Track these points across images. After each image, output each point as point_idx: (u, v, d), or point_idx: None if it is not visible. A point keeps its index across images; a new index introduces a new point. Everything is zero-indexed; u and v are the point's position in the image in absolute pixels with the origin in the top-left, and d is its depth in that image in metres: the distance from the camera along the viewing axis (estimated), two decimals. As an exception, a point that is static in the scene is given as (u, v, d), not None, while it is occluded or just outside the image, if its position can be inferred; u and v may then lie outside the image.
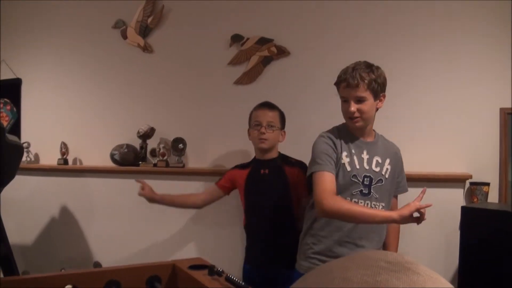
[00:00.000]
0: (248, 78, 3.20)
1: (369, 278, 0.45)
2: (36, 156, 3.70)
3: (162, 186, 3.17)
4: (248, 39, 3.18)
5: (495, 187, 2.79)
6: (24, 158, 3.47)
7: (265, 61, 3.17)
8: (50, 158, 3.58)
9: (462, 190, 2.79)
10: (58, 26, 3.67)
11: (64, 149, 3.48)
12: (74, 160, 3.58)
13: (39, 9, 3.74)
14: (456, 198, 2.78)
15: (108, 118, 3.48)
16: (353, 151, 2.19)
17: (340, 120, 2.97)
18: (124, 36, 3.41)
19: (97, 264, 1.98)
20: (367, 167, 2.17)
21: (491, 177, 2.78)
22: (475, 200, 2.72)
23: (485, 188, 2.72)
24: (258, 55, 3.17)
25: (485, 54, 2.86)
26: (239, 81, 3.21)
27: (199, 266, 1.92)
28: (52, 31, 3.68)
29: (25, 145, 3.49)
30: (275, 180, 2.64)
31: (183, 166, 3.19)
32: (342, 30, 3.06)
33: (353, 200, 2.12)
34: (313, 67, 3.10)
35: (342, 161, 2.15)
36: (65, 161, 3.48)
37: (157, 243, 3.21)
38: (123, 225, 3.29)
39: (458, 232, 2.64)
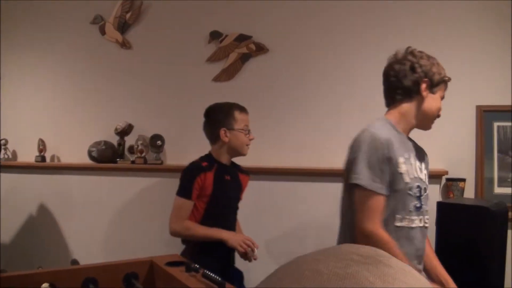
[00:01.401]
0: (227, 75, 3.21)
1: (340, 270, 0.45)
2: (14, 153, 3.67)
3: (140, 183, 3.19)
4: (226, 36, 3.18)
5: (471, 183, 2.84)
6: (1, 155, 3.44)
7: (244, 58, 3.18)
8: (27, 155, 3.55)
9: (438, 186, 2.85)
10: (35, 22, 3.62)
11: (42, 146, 3.45)
12: (52, 157, 3.55)
13: (15, 4, 3.70)
14: (432, 193, 2.83)
15: (86, 115, 3.46)
16: (408, 155, 1.87)
17: (320, 117, 3.03)
18: (102, 32, 3.39)
19: (75, 262, 1.97)
20: (419, 175, 1.89)
21: (467, 173, 2.83)
22: (451, 195, 2.77)
23: (461, 184, 2.77)
24: (236, 52, 3.18)
25: (462, 52, 2.90)
26: (218, 78, 3.22)
27: (176, 262, 1.93)
28: (29, 27, 3.63)
29: (2, 142, 3.46)
30: (236, 187, 2.56)
31: (161, 163, 3.19)
32: (321, 27, 3.07)
33: (409, 218, 1.82)
34: (292, 64, 3.12)
35: (399, 170, 1.79)
36: (43, 158, 3.45)
37: (135, 240, 3.20)
38: (101, 222, 3.28)
39: (434, 228, 2.71)
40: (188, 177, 2.42)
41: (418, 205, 1.84)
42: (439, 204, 2.35)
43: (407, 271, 0.47)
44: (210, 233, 2.38)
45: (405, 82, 1.92)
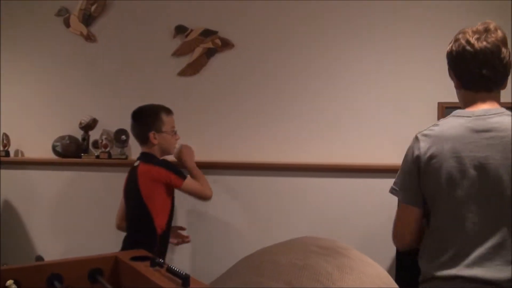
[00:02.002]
0: (192, 69, 3.21)
1: (299, 261, 0.46)
2: (-23, 149, 3.60)
3: (104, 178, 3.18)
4: (192, 30, 3.18)
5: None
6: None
7: (209, 53, 3.18)
8: (-10, 150, 3.49)
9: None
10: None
11: (6, 141, 3.40)
12: (16, 152, 3.50)
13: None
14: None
15: (50, 109, 3.41)
16: None
17: (288, 113, 3.06)
18: (67, 24, 3.34)
19: (39, 258, 1.96)
20: None
21: (428, 168, 2.92)
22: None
23: (425, 179, 2.84)
24: (202, 47, 3.18)
25: (423, 49, 2.96)
26: (183, 73, 3.21)
27: (141, 257, 1.94)
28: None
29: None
30: None
31: (126, 158, 3.18)
32: (288, 24, 3.09)
33: None
34: (258, 60, 3.13)
35: None
36: (7, 153, 3.40)
37: (101, 235, 3.19)
38: (66, 218, 3.26)
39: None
40: (173, 165, 2.63)
41: None
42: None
43: (365, 262, 0.49)
44: None
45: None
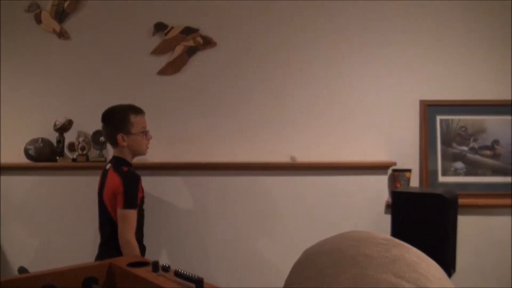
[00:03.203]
0: (173, 68, 3.12)
1: (386, 253, 0.47)
2: None
3: (82, 182, 3.03)
4: (172, 28, 3.08)
5: (416, 173, 2.95)
6: None
7: (190, 51, 3.10)
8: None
9: (386, 176, 2.93)
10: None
11: (-26, 145, 3.19)
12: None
13: None
14: (380, 184, 2.93)
15: (21, 110, 3.20)
16: None
17: (269, 112, 3.02)
18: (38, 21, 3.15)
19: (23, 270, 1.84)
20: None
21: (412, 164, 2.95)
22: (398, 185, 2.86)
23: (407, 174, 2.87)
24: (183, 45, 3.09)
25: (406, 49, 3.01)
26: (163, 72, 3.12)
27: (138, 263, 1.84)
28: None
29: None
30: None
31: (105, 160, 3.03)
32: (269, 21, 3.06)
33: None
34: (240, 59, 3.08)
35: None
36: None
37: (80, 241, 3.04)
38: (42, 225, 3.08)
39: (383, 215, 2.81)
40: (132, 187, 2.43)
41: None
42: (394, 193, 2.41)
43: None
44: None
45: None
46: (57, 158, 3.05)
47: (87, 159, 3.04)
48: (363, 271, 0.44)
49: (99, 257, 2.46)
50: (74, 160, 3.05)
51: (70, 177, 3.05)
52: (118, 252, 2.35)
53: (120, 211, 2.39)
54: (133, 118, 2.52)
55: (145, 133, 2.57)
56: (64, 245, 3.05)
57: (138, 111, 2.56)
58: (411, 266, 0.45)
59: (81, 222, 3.04)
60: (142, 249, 2.56)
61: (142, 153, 2.61)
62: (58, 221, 3.07)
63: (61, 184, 3.06)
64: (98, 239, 2.62)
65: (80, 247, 3.02)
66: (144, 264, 1.83)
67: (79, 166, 3.03)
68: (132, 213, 2.40)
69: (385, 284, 0.42)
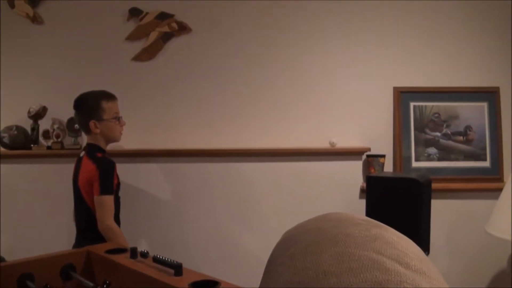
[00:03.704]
0: (147, 54, 3.09)
1: (367, 232, 0.48)
2: None
3: (57, 170, 3.00)
4: (147, 13, 3.05)
5: (390, 159, 3.00)
6: None
7: (166, 37, 3.08)
8: None
9: (360, 162, 2.98)
10: None
11: None
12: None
13: None
14: (355, 169, 2.98)
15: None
16: None
17: (243, 99, 3.02)
18: (11, 5, 3.07)
19: (1, 259, 1.82)
20: None
21: (386, 150, 3.00)
22: (372, 170, 2.90)
23: (381, 160, 2.91)
24: (158, 30, 3.06)
25: (380, 37, 3.04)
26: (138, 57, 3.09)
27: (116, 250, 1.84)
28: None
29: None
30: None
31: (80, 148, 3.01)
32: (245, 8, 3.05)
33: None
34: (216, 45, 3.07)
35: None
36: None
37: (54, 230, 3.02)
38: (17, 214, 3.04)
39: (358, 200, 2.86)
40: (108, 173, 2.43)
41: None
42: (368, 178, 2.44)
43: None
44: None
45: None
46: (32, 146, 3.01)
47: (62, 147, 3.01)
48: (345, 249, 0.45)
49: (77, 245, 2.45)
50: (49, 147, 3.02)
51: (45, 165, 3.02)
52: (96, 240, 2.34)
53: (97, 198, 2.38)
54: (105, 104, 2.50)
55: (118, 119, 2.56)
56: (40, 233, 3.03)
57: (110, 97, 2.54)
58: (391, 244, 0.46)
59: (57, 210, 3.01)
60: None
61: (116, 139, 2.60)
62: (33, 210, 3.03)
63: (36, 172, 3.02)
64: (74, 228, 2.61)
65: (56, 235, 3.00)
66: (122, 250, 1.83)
67: (54, 154, 2.99)
68: (109, 199, 2.40)
69: (366, 261, 0.42)
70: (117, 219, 2.55)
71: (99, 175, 2.38)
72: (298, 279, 0.43)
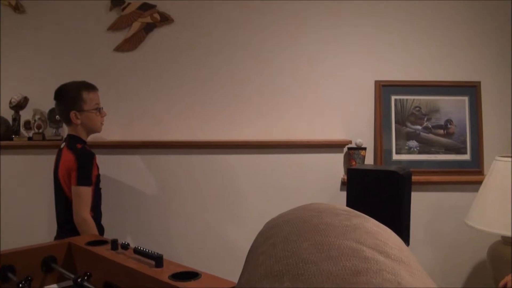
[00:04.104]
0: (130, 45, 3.07)
1: (346, 221, 0.49)
2: None
3: (39, 161, 2.97)
4: (129, 3, 3.03)
5: (371, 151, 3.03)
6: None
7: (148, 28, 3.06)
8: None
9: (342, 154, 3.00)
10: None
11: None
12: None
13: None
14: (336, 161, 3.00)
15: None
16: None
17: (227, 91, 3.02)
18: (-7, -6, 3.04)
19: (-19, 251, 1.80)
20: None
21: (367, 142, 3.02)
22: (354, 163, 2.92)
23: (362, 152, 2.94)
24: (140, 21, 3.04)
25: (361, 32, 3.05)
26: (120, 48, 3.07)
27: (97, 242, 1.84)
28: None
29: None
30: None
31: (62, 139, 2.98)
32: (227, 1, 3.05)
33: None
34: (198, 36, 3.06)
35: None
36: None
37: (35, 222, 2.99)
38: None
39: (339, 192, 2.89)
40: (86, 164, 2.42)
41: None
42: (349, 170, 2.46)
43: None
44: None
45: None
46: (13, 136, 2.98)
47: (44, 138, 2.98)
48: (325, 238, 0.45)
49: (58, 237, 2.44)
50: (30, 138, 2.99)
51: (27, 156, 2.99)
52: (76, 233, 2.33)
53: (74, 188, 2.37)
54: (86, 95, 2.49)
55: (98, 110, 2.55)
56: (21, 225, 3.00)
57: (90, 87, 2.53)
58: (371, 233, 0.47)
59: (38, 202, 2.99)
60: (101, 229, 2.55)
61: (97, 130, 2.59)
62: (14, 201, 3.01)
63: (18, 163, 2.99)
64: (55, 220, 2.59)
65: (37, 227, 2.98)
66: (103, 242, 1.82)
67: (36, 145, 2.97)
68: (87, 190, 2.39)
69: (346, 250, 0.43)
70: (98, 211, 2.54)
71: (77, 165, 2.37)
72: (278, 268, 0.44)
